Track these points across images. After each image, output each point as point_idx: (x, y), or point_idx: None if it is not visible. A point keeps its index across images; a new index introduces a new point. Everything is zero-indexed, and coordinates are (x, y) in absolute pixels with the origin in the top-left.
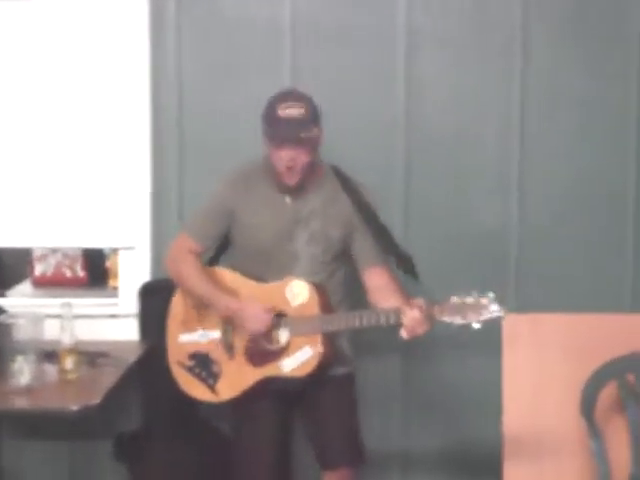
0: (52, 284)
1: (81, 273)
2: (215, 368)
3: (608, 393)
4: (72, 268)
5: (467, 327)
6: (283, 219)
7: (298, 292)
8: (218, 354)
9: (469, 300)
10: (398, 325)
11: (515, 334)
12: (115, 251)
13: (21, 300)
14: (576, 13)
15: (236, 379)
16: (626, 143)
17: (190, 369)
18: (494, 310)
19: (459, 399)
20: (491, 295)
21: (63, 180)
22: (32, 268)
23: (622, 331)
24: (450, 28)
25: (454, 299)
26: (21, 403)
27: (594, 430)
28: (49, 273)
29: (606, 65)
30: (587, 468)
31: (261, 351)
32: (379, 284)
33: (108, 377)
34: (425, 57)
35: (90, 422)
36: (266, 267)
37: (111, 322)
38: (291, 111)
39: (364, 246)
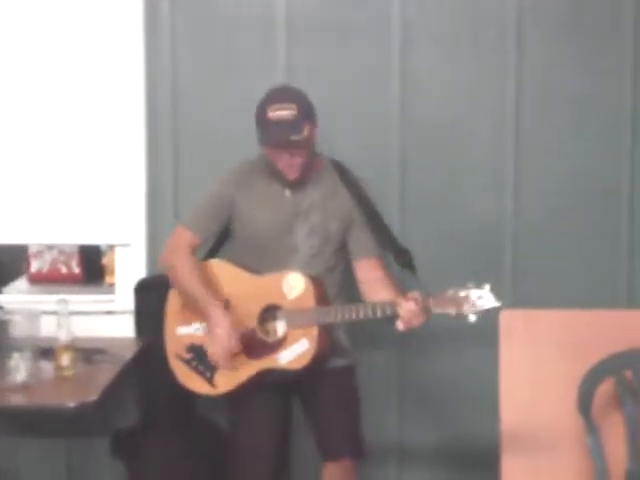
0: (48, 281)
1: (77, 270)
2: (212, 361)
3: (605, 389)
4: (68, 265)
5: (463, 319)
6: (283, 212)
7: (294, 284)
8: None
9: (465, 292)
10: (394, 317)
11: (511, 329)
12: (111, 248)
13: (17, 297)
14: (570, 9)
15: (233, 372)
16: (620, 139)
17: (188, 362)
18: (490, 302)
19: (455, 393)
20: (487, 287)
21: (59, 177)
22: (28, 265)
23: (619, 327)
24: (444, 24)
25: (450, 291)
26: (17, 400)
27: (591, 426)
28: (45, 270)
29: (600, 61)
30: (584, 463)
31: (258, 343)
32: (372, 276)
33: (105, 374)
34: (419, 53)
35: (87, 419)
36: (265, 259)
37: (107, 319)
38: (281, 113)
39: (360, 237)
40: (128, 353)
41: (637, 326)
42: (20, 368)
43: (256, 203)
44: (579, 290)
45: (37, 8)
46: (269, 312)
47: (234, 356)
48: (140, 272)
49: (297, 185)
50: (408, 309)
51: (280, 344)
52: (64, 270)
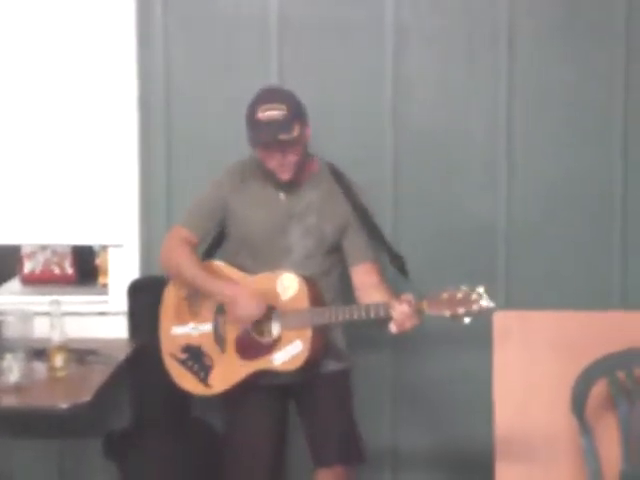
0: (41, 281)
1: (70, 270)
2: (207, 361)
3: (599, 390)
4: (61, 265)
5: (458, 321)
6: (277, 214)
7: (288, 285)
8: (210, 347)
9: (459, 294)
10: (387, 319)
11: (505, 331)
12: (104, 248)
13: (10, 298)
14: (563, 12)
15: (228, 372)
16: (612, 141)
17: (183, 362)
18: (484, 304)
19: (450, 396)
20: (481, 289)
21: (52, 177)
22: (21, 265)
23: (613, 328)
24: (438, 26)
25: (444, 293)
26: (10, 401)
27: (585, 427)
28: (38, 270)
29: (593, 63)
30: (578, 465)
31: (253, 344)
32: (367, 281)
33: (98, 375)
34: (413, 54)
35: (80, 420)
36: (259, 260)
37: (100, 319)
38: (270, 113)
39: (355, 242)
40: (121, 354)
41: (630, 327)
42: (13, 369)
43: (250, 204)
44: (572, 291)
45: (28, 10)
46: (264, 313)
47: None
48: (133, 273)
49: (291, 186)
50: (401, 311)
51: (274, 345)
52: (57, 271)
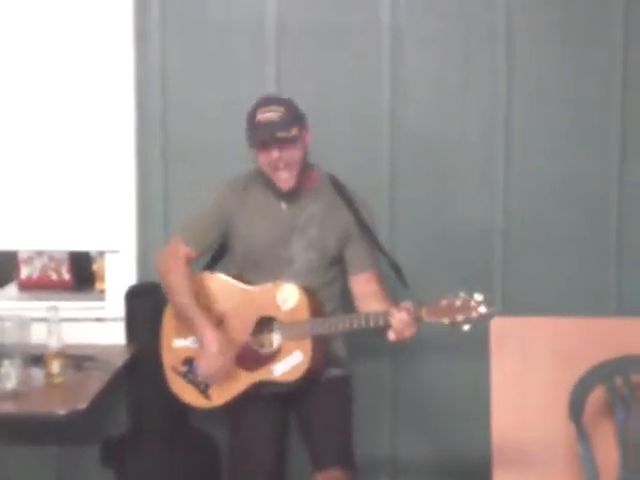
0: (38, 287)
1: (67, 276)
2: (203, 379)
3: (596, 397)
4: (58, 271)
5: (456, 328)
6: (279, 226)
7: (288, 296)
8: None
9: (457, 301)
10: (386, 327)
11: (503, 337)
12: (101, 254)
13: (7, 303)
14: (560, 13)
15: (228, 384)
16: (609, 144)
17: (184, 375)
18: (482, 311)
19: (448, 404)
20: (480, 296)
21: (49, 183)
22: (18, 271)
23: (610, 334)
24: (434, 28)
25: (443, 301)
26: (7, 408)
27: (582, 434)
28: (35, 276)
29: (590, 62)
30: (575, 472)
31: (253, 356)
32: (367, 290)
33: (95, 381)
34: (410, 57)
35: (77, 426)
36: (261, 272)
37: (98, 325)
38: (269, 114)
39: (356, 252)
40: (118, 360)
41: (627, 333)
42: (10, 375)
43: (252, 216)
44: (568, 297)
45: (26, 17)
46: (265, 324)
47: (226, 371)
48: (130, 279)
49: (293, 197)
50: (400, 319)
51: (274, 356)
52: (54, 277)
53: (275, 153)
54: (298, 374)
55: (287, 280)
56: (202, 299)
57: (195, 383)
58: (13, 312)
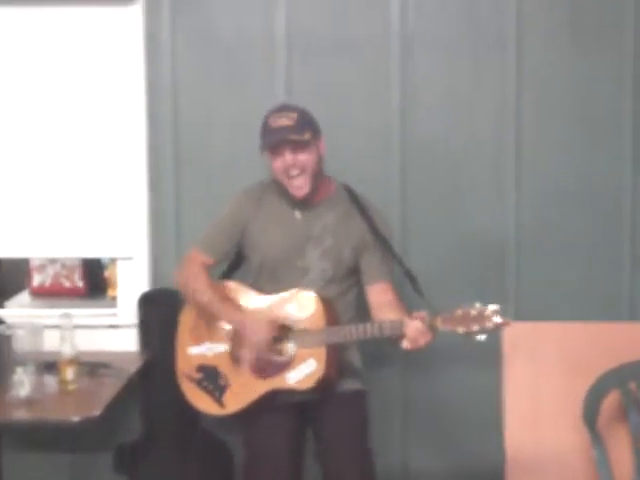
0: (50, 294)
1: (80, 283)
2: (222, 381)
3: (610, 402)
4: (70, 278)
5: (471, 338)
6: (293, 235)
7: (305, 304)
8: (225, 367)
9: (472, 311)
10: (400, 336)
11: (515, 343)
12: (113, 261)
13: (20, 311)
14: (570, 17)
15: (242, 392)
16: (621, 150)
17: (198, 382)
18: (497, 321)
19: (460, 414)
20: (494, 307)
21: (61, 191)
22: (30, 278)
23: (622, 340)
24: (444, 35)
25: (458, 310)
26: (21, 415)
27: (596, 439)
28: (47, 283)
29: (601, 69)
30: (590, 478)
31: (268, 363)
32: (383, 300)
33: (108, 388)
34: (419, 65)
35: (90, 433)
36: (276, 282)
37: (110, 332)
38: (282, 120)
39: (371, 262)
40: (132, 367)
41: None
42: (24, 383)
43: (266, 224)
44: (582, 303)
45: (39, 27)
46: (281, 331)
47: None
48: (143, 285)
49: (307, 206)
50: (414, 328)
51: (289, 364)
52: (67, 284)
53: (288, 156)
54: (312, 382)
55: (303, 289)
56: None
57: (209, 391)
58: (26, 320)
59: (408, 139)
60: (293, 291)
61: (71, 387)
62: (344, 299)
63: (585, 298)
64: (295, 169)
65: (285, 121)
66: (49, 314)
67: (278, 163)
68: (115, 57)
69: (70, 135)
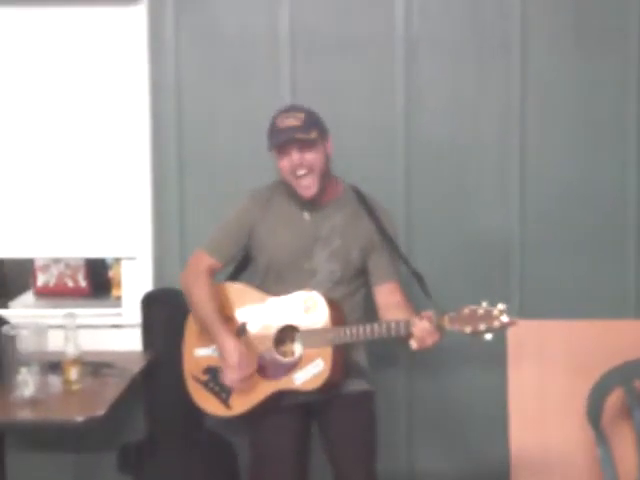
0: (55, 294)
1: (83, 283)
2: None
3: (614, 399)
4: (74, 278)
5: (478, 337)
6: (302, 236)
7: (312, 305)
8: None
9: (480, 311)
10: (408, 336)
11: (520, 341)
12: (117, 261)
13: (24, 311)
14: (574, 20)
15: (249, 393)
16: (625, 149)
17: (205, 384)
18: (504, 320)
19: (465, 415)
20: (502, 306)
21: (65, 191)
22: (34, 279)
23: (628, 337)
24: (448, 38)
25: (465, 310)
26: (25, 415)
27: (601, 437)
28: (51, 283)
29: (605, 72)
30: (595, 477)
31: (274, 364)
32: (391, 301)
33: (112, 388)
34: (424, 67)
35: (95, 433)
36: (283, 284)
37: (114, 332)
38: (289, 120)
39: (379, 263)
40: (136, 367)
41: None
42: (28, 383)
43: (274, 226)
44: (587, 300)
45: (42, 27)
46: (287, 333)
47: (249, 378)
48: (147, 285)
49: (316, 207)
50: (422, 328)
51: (295, 365)
52: (70, 284)
53: (295, 155)
54: (319, 383)
55: (310, 289)
56: (224, 309)
57: (216, 392)
58: (30, 320)
59: (413, 142)
60: (300, 292)
61: (75, 387)
62: (352, 300)
63: (590, 296)
64: (302, 168)
65: (292, 121)
66: (53, 314)
67: (285, 162)
68: (119, 56)
69: (74, 134)
